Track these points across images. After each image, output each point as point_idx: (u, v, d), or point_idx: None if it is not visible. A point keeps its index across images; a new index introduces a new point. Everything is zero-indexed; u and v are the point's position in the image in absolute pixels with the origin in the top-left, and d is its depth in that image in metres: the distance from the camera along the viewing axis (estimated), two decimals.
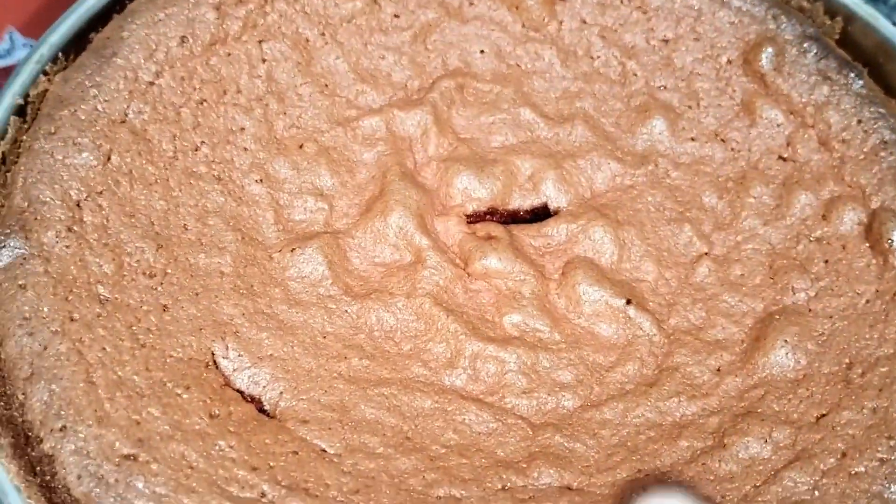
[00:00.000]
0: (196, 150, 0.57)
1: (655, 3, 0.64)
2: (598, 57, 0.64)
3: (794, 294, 0.56)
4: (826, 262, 0.57)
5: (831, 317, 0.55)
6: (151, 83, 0.57)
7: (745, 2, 0.63)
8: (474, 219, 0.59)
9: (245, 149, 0.58)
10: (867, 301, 0.55)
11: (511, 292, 0.55)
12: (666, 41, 0.64)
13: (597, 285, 0.55)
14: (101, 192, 0.54)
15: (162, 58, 0.58)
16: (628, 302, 0.55)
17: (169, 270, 0.53)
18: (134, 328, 0.50)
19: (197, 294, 0.53)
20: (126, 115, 0.56)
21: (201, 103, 0.58)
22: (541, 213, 0.60)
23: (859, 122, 0.60)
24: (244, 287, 0.54)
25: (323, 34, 0.62)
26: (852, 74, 0.61)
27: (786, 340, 0.53)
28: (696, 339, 0.55)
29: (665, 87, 0.63)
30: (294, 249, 0.55)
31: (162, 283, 0.52)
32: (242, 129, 0.59)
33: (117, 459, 0.45)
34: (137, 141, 0.56)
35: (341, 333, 0.53)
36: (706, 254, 0.58)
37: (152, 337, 0.50)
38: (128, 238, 0.53)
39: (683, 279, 0.57)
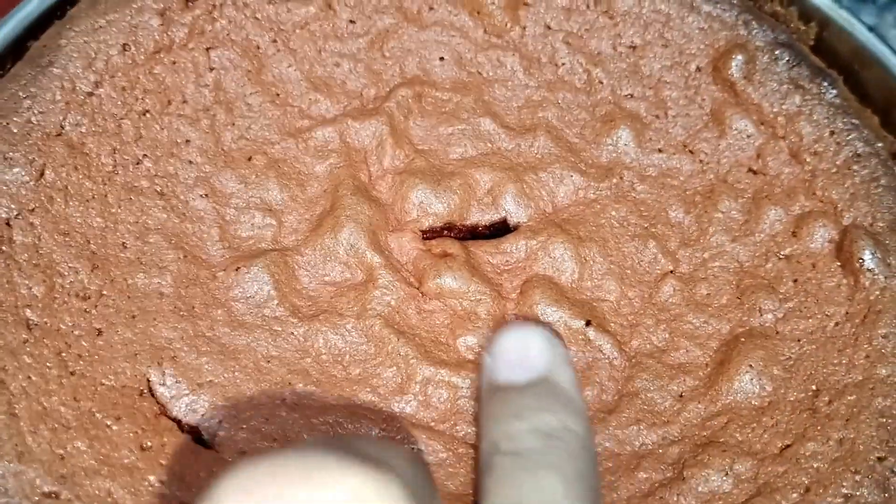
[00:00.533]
0: (137, 163, 0.54)
1: (623, 8, 0.61)
2: (563, 64, 0.61)
3: (762, 315, 0.53)
4: (795, 281, 0.54)
5: (799, 340, 0.52)
6: (90, 94, 0.55)
7: (716, 6, 0.60)
8: (430, 235, 0.56)
9: (190, 162, 0.55)
10: (836, 324, 0.52)
11: (466, 313, 0.52)
12: (633, 48, 0.61)
13: (555, 305, 0.52)
14: (33, 210, 0.51)
15: (102, 67, 0.55)
16: (588, 323, 0.52)
17: (104, 292, 0.50)
18: (63, 354, 0.47)
19: (133, 317, 0.50)
20: (62, 127, 0.53)
21: (144, 114, 0.56)
22: (500, 229, 0.57)
23: (832, 133, 0.57)
24: (185, 309, 0.51)
25: (275, 41, 0.59)
26: (825, 83, 0.58)
27: (751, 365, 0.50)
28: (659, 362, 0.52)
29: (632, 96, 0.60)
30: (239, 268, 0.52)
31: (96, 306, 0.50)
32: (188, 141, 0.56)
33: (37, 498, 0.42)
34: (74, 155, 0.53)
35: (286, 357, 0.50)
36: (671, 272, 0.55)
37: (83, 364, 0.47)
38: (61, 258, 0.50)
39: (647, 298, 0.54)
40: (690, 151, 0.58)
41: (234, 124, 0.57)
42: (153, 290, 0.51)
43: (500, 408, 0.42)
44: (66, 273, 0.50)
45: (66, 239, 0.51)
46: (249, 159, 0.56)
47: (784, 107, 0.58)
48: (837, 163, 0.56)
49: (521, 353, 0.45)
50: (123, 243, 0.52)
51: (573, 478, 0.38)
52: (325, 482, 0.31)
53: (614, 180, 0.58)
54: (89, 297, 0.50)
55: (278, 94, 0.58)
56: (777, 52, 0.59)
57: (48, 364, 0.47)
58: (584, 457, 0.40)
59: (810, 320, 0.53)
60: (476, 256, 0.55)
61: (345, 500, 0.31)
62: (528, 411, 0.41)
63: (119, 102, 0.55)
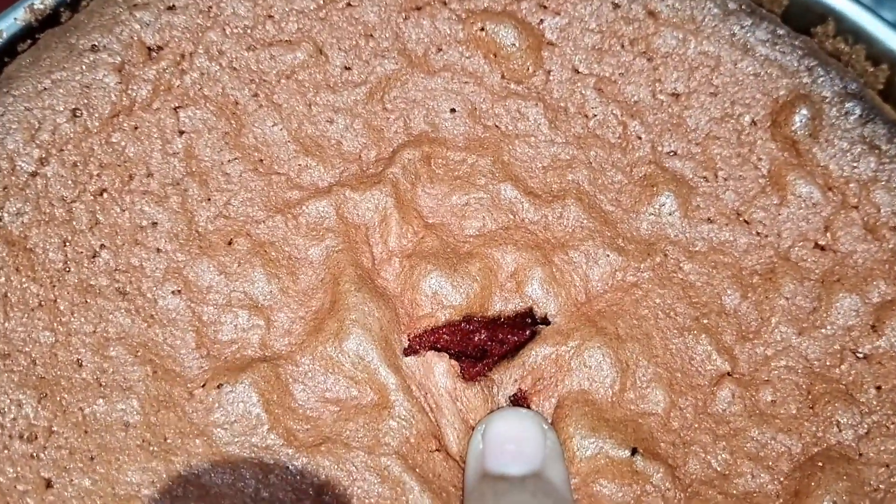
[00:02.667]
0: (94, 257, 0.44)
1: (664, 49, 0.51)
2: (594, 115, 0.51)
3: (840, 431, 0.44)
4: (878, 388, 0.45)
5: (888, 465, 0.43)
6: (34, 174, 0.44)
7: (774, 48, 0.50)
8: (450, 332, 0.46)
9: (158, 250, 0.45)
10: None
11: None
12: (676, 95, 0.51)
13: (593, 436, 0.43)
14: None
15: (47, 139, 0.45)
16: (634, 451, 0.43)
17: (55, 428, 0.41)
18: None
19: (92, 458, 0.40)
20: (0, 219, 0.43)
21: (100, 194, 0.45)
22: (525, 318, 0.47)
23: None
24: (155, 442, 0.41)
25: (256, 95, 0.49)
26: None
27: (834, 501, 0.41)
28: (720, 492, 0.43)
29: (675, 154, 0.50)
30: (221, 385, 0.43)
31: (45, 448, 0.40)
32: (154, 223, 0.46)
33: None
34: (15, 253, 0.43)
35: (280, 499, 0.41)
36: (729, 373, 0.46)
37: None
38: (2, 389, 0.40)
39: (701, 408, 0.45)
40: (746, 222, 0.49)
41: (209, 200, 0.47)
42: (116, 420, 0.41)
43: (494, 501, 0.39)
44: (6, 409, 0.40)
45: (7, 363, 0.41)
46: (230, 243, 0.46)
47: (856, 171, 0.48)
48: None
49: (517, 444, 0.41)
50: (78, 360, 0.42)
51: None
52: None
53: (657, 259, 0.48)
54: (36, 438, 0.40)
55: (262, 160, 0.48)
56: (847, 105, 0.49)
57: None
58: None
59: None
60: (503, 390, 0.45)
61: None
62: None
63: (70, 182, 0.45)
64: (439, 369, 0.44)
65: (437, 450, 0.43)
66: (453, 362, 0.45)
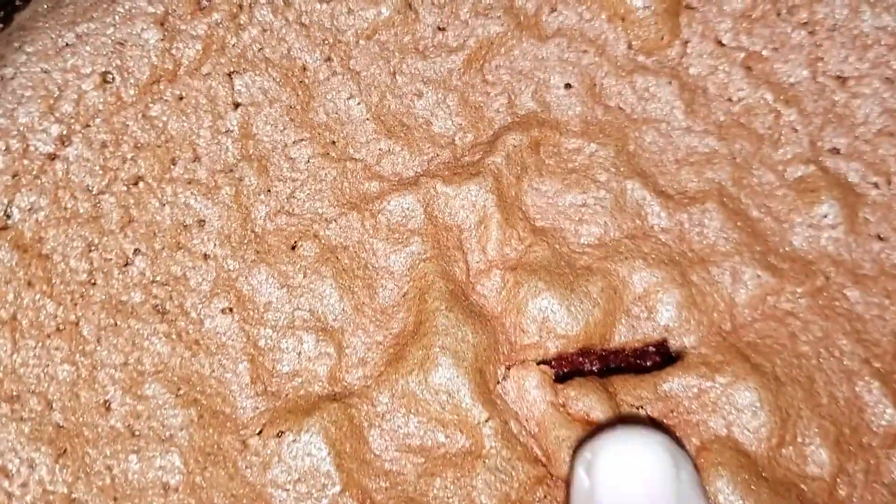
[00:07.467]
0: (126, 265, 0.36)
1: (830, 21, 0.41)
2: (740, 99, 0.43)
3: None
4: None
5: None
6: (52, 156, 0.37)
7: None
8: (559, 364, 0.37)
9: (205, 256, 0.38)
10: None
11: None
12: (843, 79, 0.42)
13: (751, 497, 0.36)
14: None
15: (70, 111, 0.37)
16: None
17: (77, 495, 0.33)
18: None
19: None
20: (7, 216, 0.35)
21: (135, 184, 0.37)
22: (657, 352, 0.38)
23: None
24: None
25: (329, 59, 0.40)
26: None
27: None
28: None
29: (839, 152, 0.42)
30: (281, 434, 0.34)
31: None
32: (201, 222, 0.38)
33: None
34: (27, 261, 0.35)
35: None
36: None
37: None
38: (8, 445, 0.31)
39: (874, 472, 0.36)
40: None
41: (269, 192, 0.39)
42: (153, 482, 0.33)
43: None
44: (15, 471, 0.33)
45: (16, 408, 0.33)
46: (293, 247, 0.39)
47: None
48: None
49: (633, 474, 0.32)
50: (106, 403, 0.34)
51: None
52: None
53: (817, 282, 0.40)
54: None
55: (334, 143, 0.40)
56: None
57: None
58: None
59: None
60: (627, 411, 0.36)
61: None
62: None
63: (97, 168, 0.37)
64: (531, 383, 0.36)
65: (544, 497, 0.35)
66: (543, 367, 0.37)
